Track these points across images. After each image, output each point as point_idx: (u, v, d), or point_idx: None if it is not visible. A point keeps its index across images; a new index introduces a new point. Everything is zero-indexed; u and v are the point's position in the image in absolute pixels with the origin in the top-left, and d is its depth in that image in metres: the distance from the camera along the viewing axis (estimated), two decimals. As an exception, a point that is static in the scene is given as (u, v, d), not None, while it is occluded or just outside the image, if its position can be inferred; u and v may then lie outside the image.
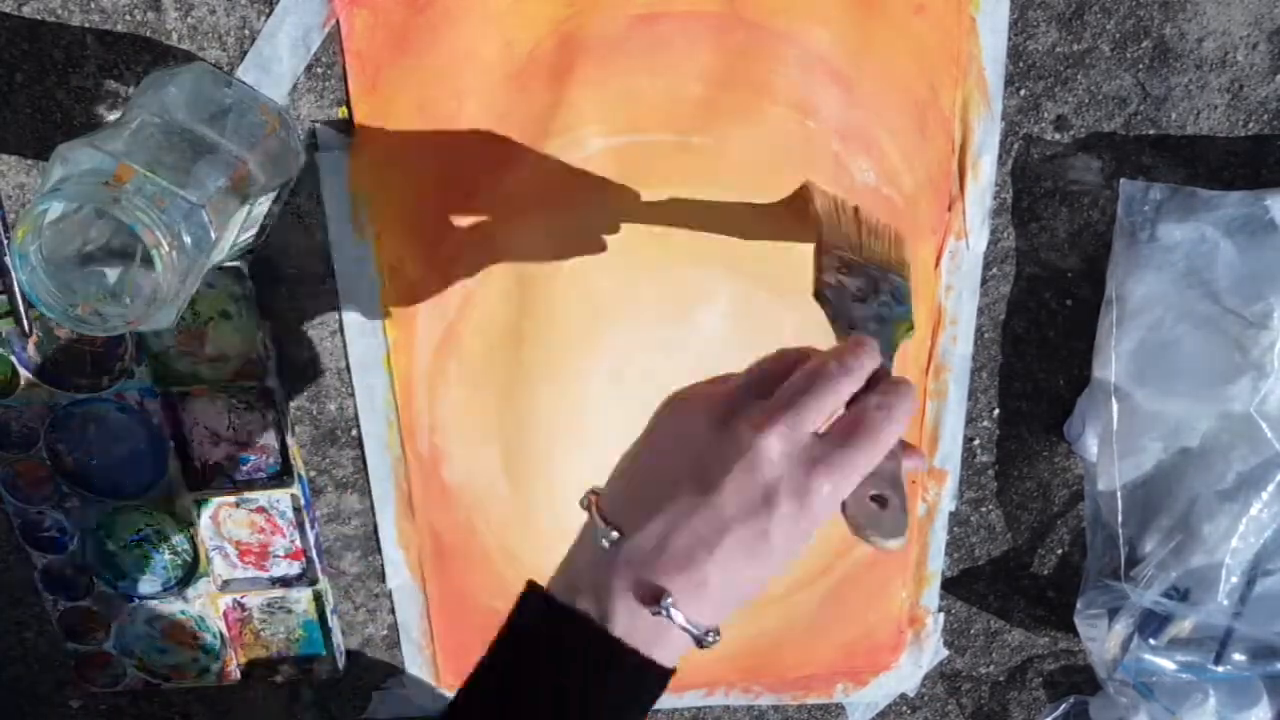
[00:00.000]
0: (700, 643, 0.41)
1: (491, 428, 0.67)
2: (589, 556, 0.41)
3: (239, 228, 0.52)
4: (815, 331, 0.64)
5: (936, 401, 0.66)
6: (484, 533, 0.70)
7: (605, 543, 0.40)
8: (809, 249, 0.61)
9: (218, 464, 0.68)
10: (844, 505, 0.40)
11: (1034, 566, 0.73)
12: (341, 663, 0.75)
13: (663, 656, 0.40)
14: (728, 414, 0.41)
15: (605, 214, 0.60)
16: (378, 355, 0.64)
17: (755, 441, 0.39)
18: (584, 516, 0.43)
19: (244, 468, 0.68)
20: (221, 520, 0.69)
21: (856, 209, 0.58)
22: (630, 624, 0.39)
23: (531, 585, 0.43)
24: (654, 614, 0.39)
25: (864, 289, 0.52)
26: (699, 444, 0.40)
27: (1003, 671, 0.78)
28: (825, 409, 0.41)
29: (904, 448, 0.43)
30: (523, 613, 0.42)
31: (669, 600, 0.39)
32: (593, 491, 0.43)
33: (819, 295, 0.51)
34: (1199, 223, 0.59)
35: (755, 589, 0.41)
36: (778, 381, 0.42)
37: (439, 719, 0.41)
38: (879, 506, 0.40)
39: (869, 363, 0.43)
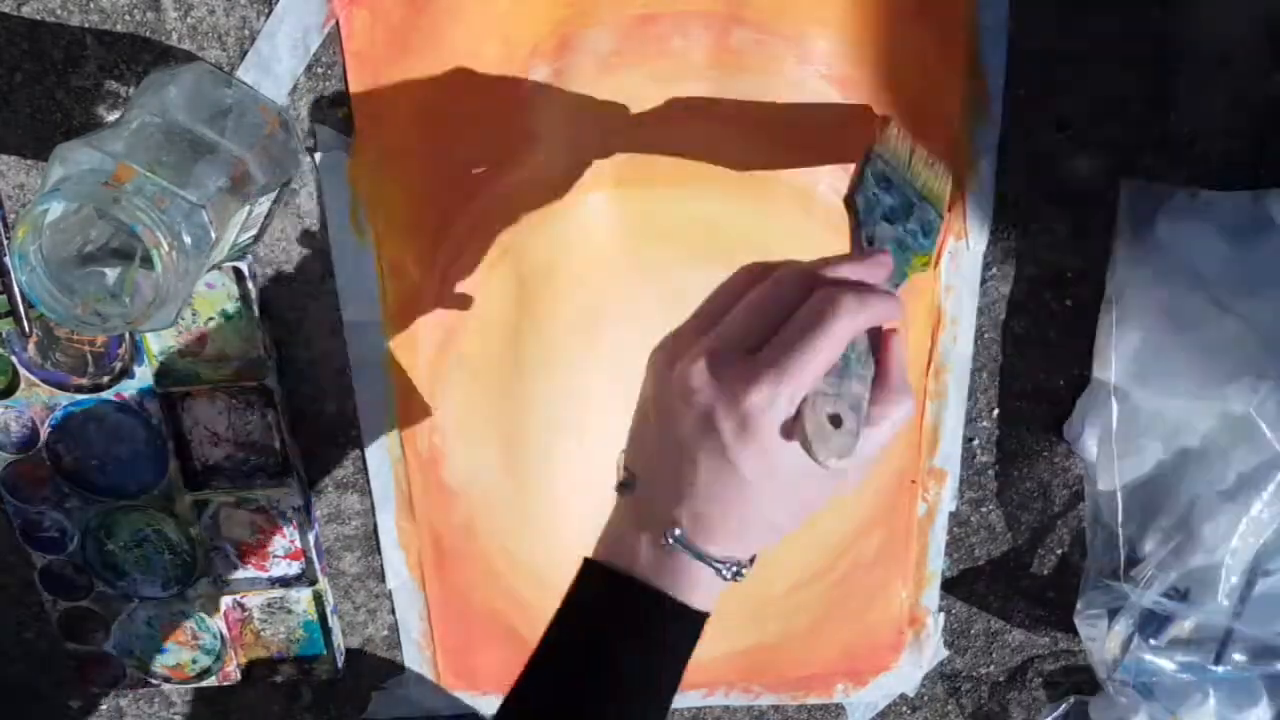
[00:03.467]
0: (721, 574, 0.40)
1: (491, 428, 0.66)
2: (617, 511, 0.42)
3: (239, 228, 0.52)
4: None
5: (936, 401, 0.66)
6: (484, 533, 0.70)
7: (622, 490, 0.42)
8: (804, 254, 0.62)
9: (218, 464, 0.68)
10: (799, 418, 0.39)
11: (1034, 566, 0.73)
12: (341, 663, 0.75)
13: (691, 597, 0.40)
14: (673, 359, 0.41)
15: (605, 214, 0.60)
16: (378, 355, 0.64)
17: (679, 374, 0.39)
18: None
19: (244, 468, 0.68)
20: (221, 520, 0.69)
21: (913, 141, 0.56)
22: (653, 562, 0.40)
23: (585, 560, 0.43)
24: (664, 546, 0.39)
25: (896, 211, 0.51)
26: (651, 391, 0.41)
27: (1003, 671, 0.78)
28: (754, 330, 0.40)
29: (880, 362, 0.42)
30: (576, 584, 0.43)
31: (676, 531, 0.39)
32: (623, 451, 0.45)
33: (849, 201, 0.50)
34: (1199, 223, 0.59)
35: (763, 519, 0.40)
36: (716, 318, 0.41)
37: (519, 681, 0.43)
38: (833, 426, 0.39)
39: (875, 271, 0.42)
